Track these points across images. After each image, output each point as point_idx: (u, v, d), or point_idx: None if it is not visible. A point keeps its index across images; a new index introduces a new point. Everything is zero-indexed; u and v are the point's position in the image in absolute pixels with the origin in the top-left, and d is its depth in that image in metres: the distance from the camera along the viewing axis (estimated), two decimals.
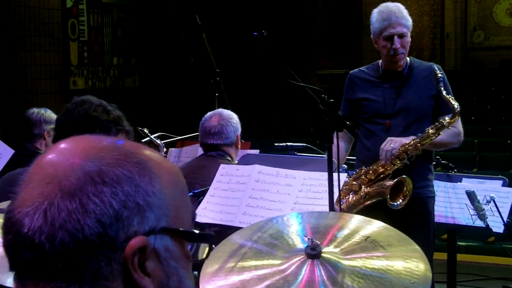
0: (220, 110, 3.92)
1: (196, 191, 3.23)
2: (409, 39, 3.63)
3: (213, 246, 2.95)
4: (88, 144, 0.93)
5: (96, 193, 0.87)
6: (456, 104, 3.41)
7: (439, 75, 3.43)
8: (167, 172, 0.96)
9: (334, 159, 2.61)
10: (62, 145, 0.95)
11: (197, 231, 0.98)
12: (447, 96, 3.41)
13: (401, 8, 3.65)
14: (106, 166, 0.89)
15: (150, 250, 0.90)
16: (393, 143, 3.42)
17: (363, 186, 3.47)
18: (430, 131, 3.43)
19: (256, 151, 4.38)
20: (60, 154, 0.92)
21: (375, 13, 3.64)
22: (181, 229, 0.95)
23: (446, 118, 3.42)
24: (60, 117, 2.58)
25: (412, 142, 3.43)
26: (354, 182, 3.48)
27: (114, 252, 0.87)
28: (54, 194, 0.87)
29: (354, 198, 3.47)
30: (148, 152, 0.96)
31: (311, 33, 14.30)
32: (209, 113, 3.89)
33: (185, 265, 0.96)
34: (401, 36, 3.58)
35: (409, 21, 3.64)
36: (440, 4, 13.93)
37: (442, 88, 3.41)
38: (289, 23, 13.78)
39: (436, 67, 3.52)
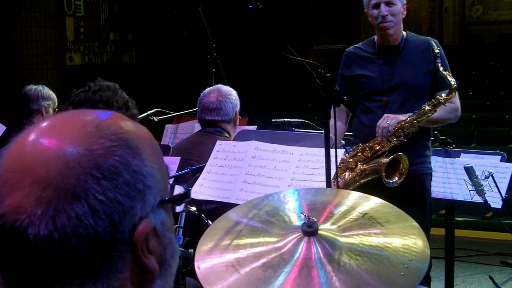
0: (219, 86, 3.89)
1: (192, 168, 3.21)
2: (400, 9, 3.59)
3: (210, 222, 2.94)
4: (72, 130, 0.89)
5: (100, 190, 0.84)
6: (453, 81, 3.38)
7: (437, 50, 3.40)
8: (147, 142, 0.93)
9: (332, 135, 2.59)
10: (40, 133, 0.89)
11: (179, 193, 0.96)
12: (444, 73, 3.38)
13: None
14: (101, 158, 0.86)
15: (152, 230, 0.90)
16: (389, 120, 3.40)
17: (359, 163, 3.45)
18: (427, 107, 3.41)
19: (254, 127, 4.36)
20: (44, 147, 0.87)
21: None
22: (169, 197, 0.94)
23: (443, 94, 3.39)
24: (80, 92, 2.54)
25: (408, 119, 3.41)
26: (351, 159, 3.47)
27: (124, 244, 0.87)
28: (56, 199, 0.83)
29: (350, 175, 3.45)
30: (127, 125, 0.93)
31: (308, 8, 14.21)
32: (208, 89, 3.86)
33: (172, 229, 0.96)
34: (389, 3, 3.55)
35: None
36: None
37: (439, 64, 3.38)
38: None
39: (433, 42, 3.48)
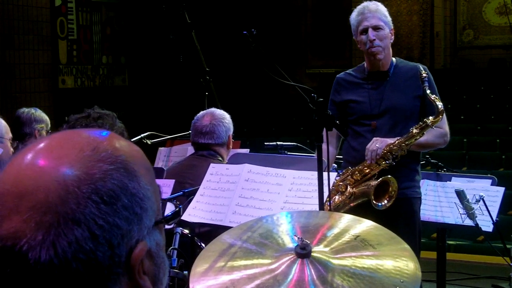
0: (213, 109, 3.91)
1: (186, 191, 3.23)
2: (388, 34, 3.63)
3: (203, 245, 2.95)
4: (70, 153, 0.89)
5: (100, 215, 0.85)
6: (440, 104, 3.42)
7: (424, 75, 3.44)
8: (141, 163, 0.94)
9: (324, 159, 2.62)
10: (38, 155, 0.89)
11: (171, 212, 0.98)
12: (432, 96, 3.41)
13: (378, 5, 3.68)
14: (100, 182, 0.86)
15: (147, 251, 0.91)
16: (378, 143, 3.43)
17: (348, 186, 3.47)
18: (414, 130, 3.44)
19: (246, 150, 4.38)
20: (42, 170, 0.87)
21: (353, 12, 3.69)
22: (162, 217, 0.95)
23: (430, 117, 3.43)
24: (80, 118, 2.56)
25: (396, 142, 3.44)
26: (341, 183, 3.49)
27: (121, 267, 0.87)
28: (57, 224, 0.83)
29: (340, 198, 3.47)
30: (123, 146, 0.93)
31: (301, 32, 14.31)
32: (201, 112, 3.88)
33: (164, 247, 0.97)
34: (376, 28, 3.59)
35: (387, 17, 3.65)
36: (430, 3, 13.97)
37: (426, 88, 3.41)
38: (279, 22, 13.78)
39: (421, 67, 3.52)
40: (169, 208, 2.79)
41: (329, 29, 13.84)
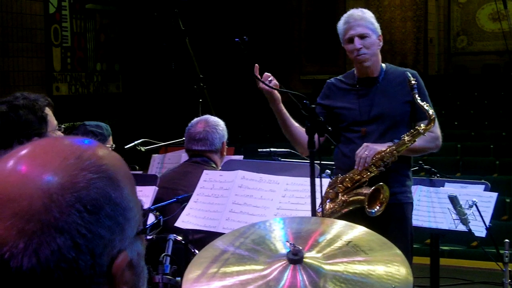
0: (207, 116, 3.91)
1: (179, 197, 3.23)
2: (375, 41, 3.63)
3: (196, 252, 2.95)
4: (54, 161, 0.88)
5: (83, 224, 0.84)
6: (431, 111, 3.41)
7: (413, 82, 3.43)
8: (124, 172, 0.94)
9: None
10: (21, 163, 0.88)
11: (152, 223, 0.99)
12: (421, 103, 3.40)
13: (364, 12, 3.68)
14: (83, 191, 0.86)
15: (128, 262, 0.91)
16: (367, 150, 3.43)
17: (339, 194, 3.47)
18: (406, 138, 3.44)
19: (240, 157, 4.38)
20: (26, 178, 0.86)
21: (340, 21, 3.70)
22: (142, 228, 0.95)
23: (422, 125, 3.43)
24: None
25: (388, 149, 3.44)
26: (331, 190, 3.48)
27: (102, 276, 0.87)
28: (40, 232, 0.82)
29: (331, 206, 3.46)
30: (106, 154, 0.93)
31: (295, 39, 14.34)
32: (195, 119, 3.88)
33: (144, 257, 0.97)
34: (362, 36, 3.59)
35: (373, 24, 3.65)
36: (424, 9, 14.03)
37: (416, 95, 3.41)
38: (273, 28, 13.81)
39: (409, 73, 3.51)
40: (151, 219, 2.80)
41: (323, 36, 13.87)
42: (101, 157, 0.91)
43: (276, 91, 3.43)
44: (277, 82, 3.39)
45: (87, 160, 0.89)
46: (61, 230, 0.83)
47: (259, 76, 3.28)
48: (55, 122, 2.69)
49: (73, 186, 0.86)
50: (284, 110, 3.57)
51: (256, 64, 3.19)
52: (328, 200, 3.46)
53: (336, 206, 3.45)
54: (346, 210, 3.45)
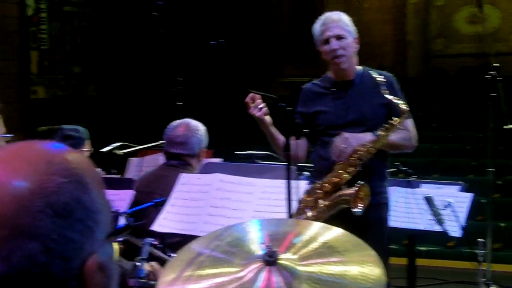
0: (188, 120, 3.89)
1: (156, 201, 3.23)
2: (351, 42, 3.65)
3: (173, 255, 2.95)
4: (24, 166, 0.88)
5: (54, 229, 0.85)
6: (401, 103, 3.42)
7: (379, 78, 3.46)
8: (93, 175, 0.94)
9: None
10: None
11: (121, 225, 0.99)
12: (390, 97, 3.42)
13: (340, 15, 3.71)
14: (54, 196, 0.86)
15: (99, 264, 0.91)
16: (346, 143, 3.43)
17: (320, 200, 3.45)
18: (381, 133, 3.45)
19: (219, 160, 4.38)
20: None
21: (315, 23, 3.71)
22: (113, 230, 0.95)
23: (395, 118, 3.44)
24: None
25: (364, 148, 3.44)
26: (310, 198, 3.47)
27: (74, 279, 0.87)
28: (11, 238, 0.83)
29: (313, 213, 3.44)
30: (76, 158, 0.93)
31: (275, 41, 14.36)
32: (176, 122, 3.86)
33: (115, 258, 0.97)
34: (339, 38, 3.61)
35: (350, 26, 3.67)
36: (402, 12, 14.11)
37: (386, 92, 3.43)
38: (253, 31, 13.82)
39: (374, 72, 3.53)
40: (121, 221, 2.80)
41: (303, 39, 13.90)
42: (71, 161, 0.91)
43: (266, 117, 3.47)
44: (266, 109, 3.43)
45: (57, 165, 0.89)
46: (33, 236, 0.83)
47: (250, 103, 3.30)
48: (4, 129, 2.65)
49: (43, 191, 0.86)
50: (274, 131, 3.57)
51: (252, 93, 3.21)
52: (308, 209, 3.43)
53: (319, 213, 3.42)
54: (329, 214, 3.43)
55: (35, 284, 0.83)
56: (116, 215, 2.37)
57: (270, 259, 1.68)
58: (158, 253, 2.84)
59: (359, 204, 3.39)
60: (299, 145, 3.51)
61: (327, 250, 1.75)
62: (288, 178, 2.58)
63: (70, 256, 0.86)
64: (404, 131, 3.53)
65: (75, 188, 0.89)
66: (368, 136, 3.47)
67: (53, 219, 0.85)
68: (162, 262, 2.80)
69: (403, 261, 4.29)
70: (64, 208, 0.86)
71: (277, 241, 1.79)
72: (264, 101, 3.26)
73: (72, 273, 0.87)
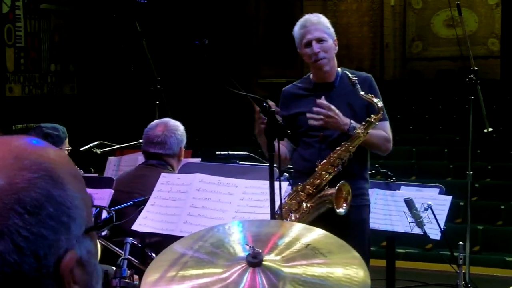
0: (167, 120, 3.87)
1: (136, 200, 3.20)
2: (331, 44, 3.65)
3: (153, 255, 2.93)
4: None
5: (24, 226, 0.82)
6: (376, 100, 3.45)
7: (354, 79, 3.47)
8: (68, 170, 0.91)
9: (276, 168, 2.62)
10: None
11: (103, 219, 0.96)
12: (366, 96, 3.45)
13: (320, 17, 3.71)
14: (23, 192, 0.83)
15: (77, 260, 0.88)
16: (330, 118, 3.45)
17: (303, 202, 3.44)
18: (359, 131, 3.46)
19: (198, 160, 4.37)
20: None
21: (295, 25, 3.71)
22: (93, 224, 0.93)
23: (372, 115, 3.46)
24: None
25: (343, 148, 3.44)
26: (293, 202, 3.46)
27: (50, 278, 0.85)
28: None
29: (297, 216, 3.42)
30: (48, 152, 0.90)
31: (253, 42, 14.37)
32: (155, 122, 3.84)
33: (97, 254, 0.95)
34: (320, 40, 3.62)
35: (329, 28, 3.68)
36: (380, 14, 14.20)
37: (359, 90, 3.45)
38: (231, 32, 13.81)
39: (347, 72, 3.55)
40: (104, 215, 2.77)
41: (280, 40, 13.93)
42: (41, 155, 0.88)
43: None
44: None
45: (26, 159, 0.86)
46: (1, 234, 0.81)
47: (260, 115, 3.23)
48: None
49: (12, 187, 0.83)
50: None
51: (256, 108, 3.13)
52: (292, 212, 3.43)
53: (302, 215, 3.41)
54: (316, 214, 3.43)
55: (7, 284, 0.81)
56: (100, 209, 2.35)
57: (254, 260, 1.67)
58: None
59: (343, 204, 3.39)
60: (284, 147, 3.51)
61: (311, 252, 1.74)
62: (272, 179, 2.57)
63: (43, 254, 0.83)
64: (381, 131, 3.55)
65: (46, 183, 0.85)
66: (346, 120, 3.47)
67: (22, 217, 0.82)
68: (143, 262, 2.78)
69: (381, 263, 4.29)
70: (33, 204, 0.83)
71: (260, 242, 1.78)
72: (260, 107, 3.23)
73: (48, 271, 0.84)
